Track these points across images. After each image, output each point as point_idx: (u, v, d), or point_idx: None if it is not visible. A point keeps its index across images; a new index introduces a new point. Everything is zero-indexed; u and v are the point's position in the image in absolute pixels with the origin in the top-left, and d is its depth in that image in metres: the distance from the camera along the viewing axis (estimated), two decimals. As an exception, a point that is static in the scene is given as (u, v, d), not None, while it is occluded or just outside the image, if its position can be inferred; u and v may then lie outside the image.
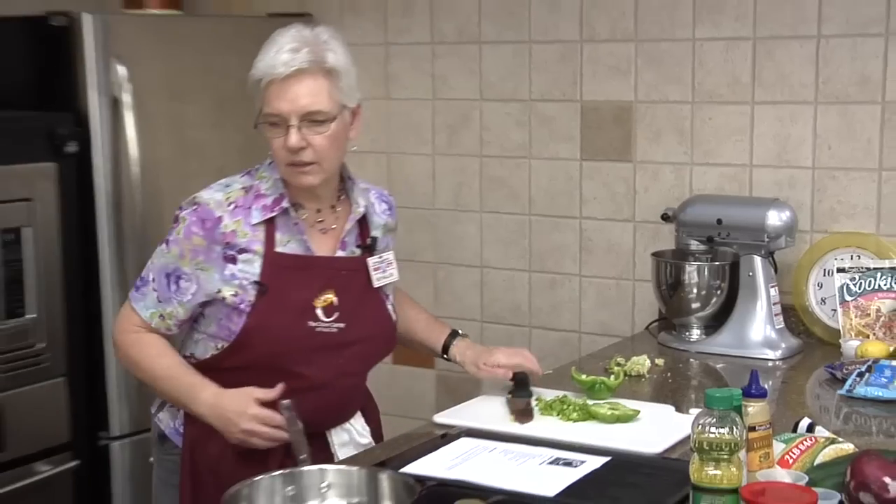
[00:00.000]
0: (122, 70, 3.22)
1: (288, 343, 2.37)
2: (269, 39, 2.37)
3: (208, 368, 2.41)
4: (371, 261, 2.50)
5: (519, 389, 2.74)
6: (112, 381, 3.32)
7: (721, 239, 3.28)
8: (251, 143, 3.65)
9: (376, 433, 2.66)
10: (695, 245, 3.34)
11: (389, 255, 2.56)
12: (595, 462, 2.32)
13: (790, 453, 2.18)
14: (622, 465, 2.31)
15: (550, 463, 2.33)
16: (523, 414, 2.62)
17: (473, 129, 3.86)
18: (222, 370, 2.38)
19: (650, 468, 2.30)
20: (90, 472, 3.30)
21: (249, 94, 2.40)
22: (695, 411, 2.16)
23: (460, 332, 2.76)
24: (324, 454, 2.42)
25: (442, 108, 3.92)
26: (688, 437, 2.00)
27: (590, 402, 2.65)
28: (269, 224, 2.38)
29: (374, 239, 2.54)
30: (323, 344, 2.40)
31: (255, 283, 2.36)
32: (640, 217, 3.62)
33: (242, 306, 2.35)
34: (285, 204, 2.39)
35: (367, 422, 2.62)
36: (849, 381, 2.80)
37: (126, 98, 3.23)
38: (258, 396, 2.27)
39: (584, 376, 2.78)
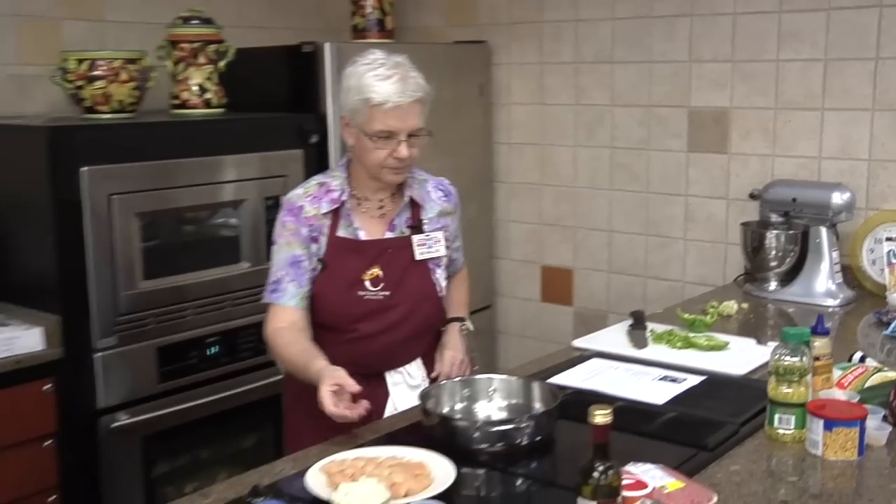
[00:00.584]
0: (350, 83, 3.28)
1: (340, 307, 2.24)
2: (366, 65, 2.19)
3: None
4: (416, 238, 2.30)
5: (637, 323, 2.73)
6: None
7: (795, 213, 3.20)
8: (440, 140, 3.71)
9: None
10: (774, 217, 3.27)
11: (438, 234, 2.33)
12: (694, 380, 2.31)
13: (846, 378, 2.13)
14: (715, 383, 2.30)
15: (660, 379, 2.32)
16: (640, 342, 2.61)
17: (606, 128, 3.82)
18: (313, 324, 2.28)
19: (736, 386, 2.29)
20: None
21: (351, 108, 2.18)
22: (772, 344, 2.13)
23: (464, 322, 2.46)
24: (382, 390, 2.29)
25: (582, 112, 3.88)
26: (766, 363, 1.97)
27: (691, 334, 2.63)
28: (335, 214, 2.25)
29: (421, 221, 2.33)
30: (371, 308, 2.24)
31: (320, 260, 2.25)
32: (732, 196, 3.54)
33: (314, 280, 2.26)
34: (344, 197, 2.25)
35: (427, 366, 2.37)
36: (892, 325, 2.73)
37: (353, 104, 3.29)
38: (336, 381, 2.00)
39: (686, 315, 2.76)
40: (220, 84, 3.30)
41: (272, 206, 3.13)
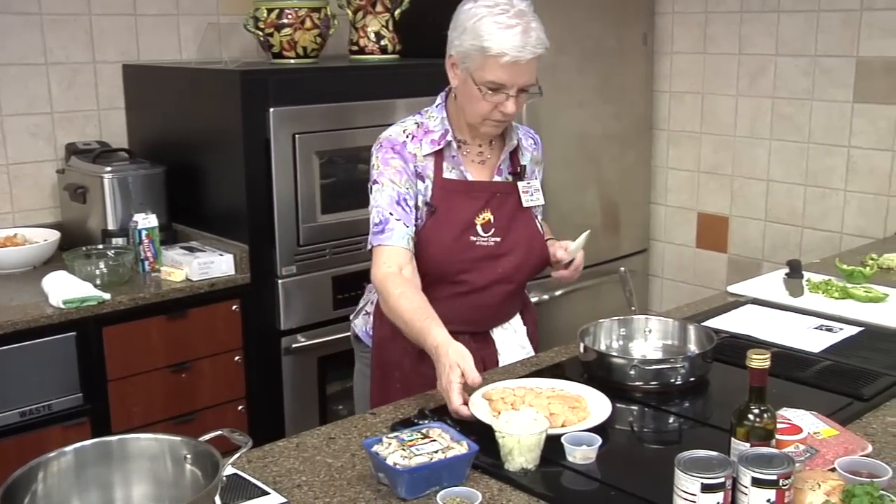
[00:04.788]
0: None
1: (451, 254, 2.04)
2: (487, 7, 1.93)
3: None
4: (521, 184, 2.12)
5: (793, 272, 2.63)
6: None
7: (966, 167, 2.99)
8: (602, 87, 3.65)
9: (532, 335, 2.25)
10: (943, 171, 3.06)
11: (536, 182, 2.16)
12: (851, 330, 2.23)
13: None
14: (872, 334, 2.21)
15: (816, 328, 2.25)
16: (796, 291, 2.52)
17: (768, 78, 3.66)
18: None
19: (895, 337, 2.18)
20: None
21: (462, 50, 1.96)
22: (936, 299, 2.02)
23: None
24: (488, 349, 2.14)
25: (745, 61, 3.72)
26: (929, 318, 1.87)
27: (849, 285, 2.52)
28: (437, 156, 2.04)
29: (524, 167, 2.15)
30: (482, 255, 2.06)
31: (427, 204, 2.04)
32: (898, 147, 3.34)
33: (417, 224, 2.04)
34: (449, 138, 2.04)
35: (525, 323, 2.23)
36: None
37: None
38: (463, 369, 1.75)
39: (845, 266, 2.64)
40: (395, 31, 3.34)
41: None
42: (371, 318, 2.18)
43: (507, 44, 1.90)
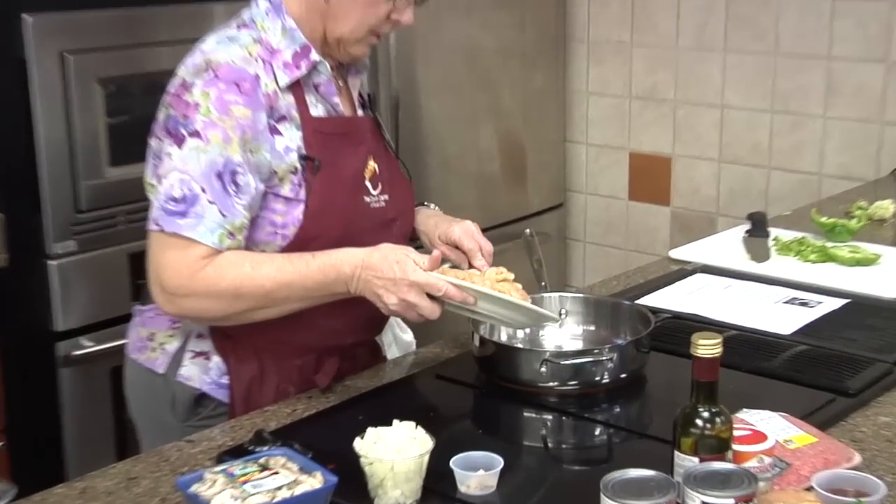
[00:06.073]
0: None
1: (352, 224, 1.95)
2: None
3: None
4: (380, 119, 2.13)
5: (756, 229, 2.72)
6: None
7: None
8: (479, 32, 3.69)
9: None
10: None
11: None
12: (832, 303, 2.32)
13: None
14: (860, 308, 2.30)
15: (786, 302, 2.33)
16: (760, 253, 2.61)
17: (721, -33, 3.77)
18: None
19: (889, 311, 2.29)
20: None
21: None
22: (938, 258, 2.12)
23: (426, 203, 2.23)
24: (378, 358, 2.16)
25: (689, -55, 3.83)
26: (929, 283, 1.97)
27: (829, 244, 2.62)
28: (296, 85, 1.92)
29: (371, 96, 2.13)
30: (377, 222, 2.01)
31: (304, 158, 1.90)
32: (894, 57, 3.47)
33: (295, 192, 1.91)
34: (315, 57, 1.92)
35: None
36: None
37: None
38: (416, 260, 1.78)
39: (824, 218, 2.74)
40: None
41: (276, 71, 3.15)
42: (216, 357, 2.01)
43: None
